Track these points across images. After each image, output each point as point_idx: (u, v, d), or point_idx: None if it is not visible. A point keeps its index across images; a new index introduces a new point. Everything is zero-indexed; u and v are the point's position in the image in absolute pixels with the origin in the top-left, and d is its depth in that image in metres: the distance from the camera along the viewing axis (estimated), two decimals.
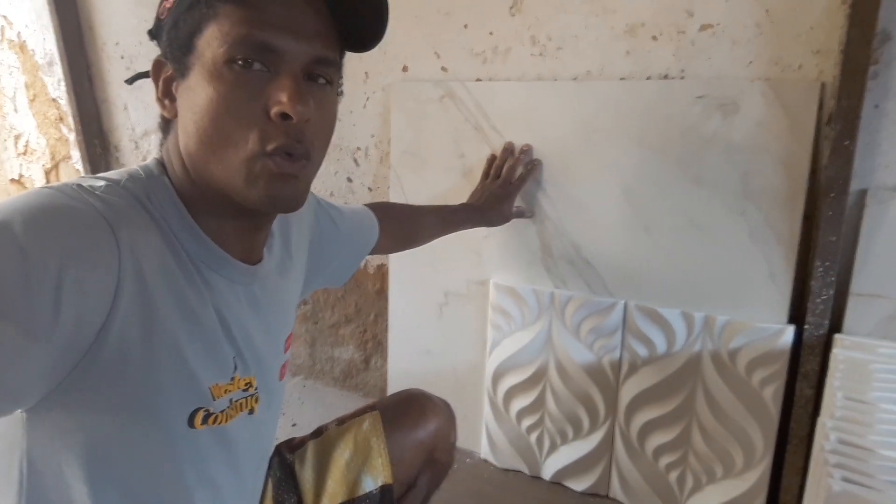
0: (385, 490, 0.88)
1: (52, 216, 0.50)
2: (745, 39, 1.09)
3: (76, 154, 2.11)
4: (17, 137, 2.29)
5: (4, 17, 2.09)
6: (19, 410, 0.55)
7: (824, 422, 0.86)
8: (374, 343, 1.75)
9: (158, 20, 0.62)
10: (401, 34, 1.43)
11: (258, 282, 0.70)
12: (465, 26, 1.36)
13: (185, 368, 0.59)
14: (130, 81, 0.71)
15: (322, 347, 1.86)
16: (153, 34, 0.63)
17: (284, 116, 0.55)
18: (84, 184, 0.56)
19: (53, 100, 2.10)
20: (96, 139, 2.08)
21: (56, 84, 2.06)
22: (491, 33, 1.33)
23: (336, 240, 0.94)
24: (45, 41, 2.02)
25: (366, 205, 1.09)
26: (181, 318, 0.58)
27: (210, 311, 0.62)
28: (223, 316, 0.64)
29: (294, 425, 1.68)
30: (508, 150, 1.30)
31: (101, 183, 0.57)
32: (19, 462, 0.58)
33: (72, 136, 2.10)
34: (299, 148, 0.57)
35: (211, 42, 0.55)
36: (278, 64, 0.56)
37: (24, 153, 2.30)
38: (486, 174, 1.33)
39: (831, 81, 1.03)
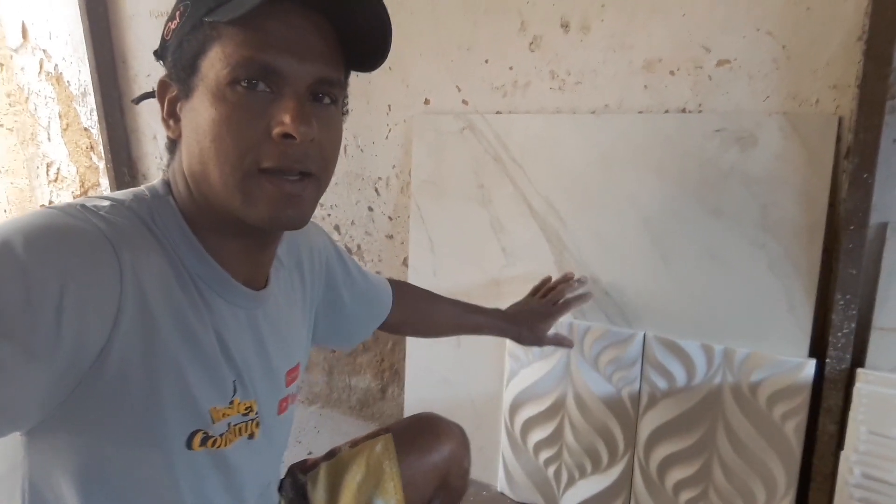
0: None
1: (55, 236, 0.50)
2: (762, 74, 1.11)
3: (105, 182, 2.17)
4: (48, 165, 2.36)
5: (44, 50, 2.18)
6: (19, 433, 0.55)
7: (848, 456, 0.85)
8: (392, 372, 1.75)
9: (163, 41, 0.62)
10: (423, 68, 1.47)
11: (261, 308, 0.69)
12: (486, 61, 1.39)
13: (185, 390, 0.58)
14: (137, 101, 0.72)
15: (339, 376, 1.87)
16: (159, 55, 0.64)
17: (287, 136, 0.55)
18: (88, 204, 0.56)
19: (85, 129, 2.17)
20: (125, 167, 2.14)
21: (88, 114, 2.14)
22: (511, 68, 1.37)
23: (348, 290, 0.93)
24: (80, 73, 2.10)
25: (388, 279, 1.07)
26: (181, 340, 0.58)
27: (210, 333, 0.61)
28: (223, 338, 0.63)
29: (310, 454, 1.67)
30: (567, 277, 1.25)
31: (106, 203, 0.57)
32: (21, 484, 0.58)
33: (101, 165, 2.16)
34: (299, 167, 0.57)
35: (214, 63, 0.55)
36: (282, 85, 0.56)
37: (55, 180, 2.37)
38: (534, 290, 1.25)
39: (848, 115, 1.04)
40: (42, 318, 0.46)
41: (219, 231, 0.62)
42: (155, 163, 2.11)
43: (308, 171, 0.58)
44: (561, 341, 1.19)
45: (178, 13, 0.59)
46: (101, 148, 2.12)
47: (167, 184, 0.64)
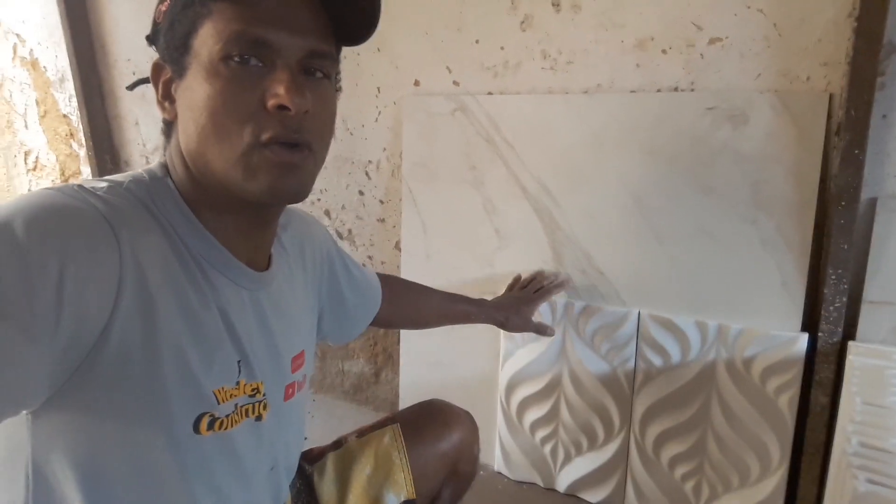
0: None
1: (53, 216, 0.49)
2: (754, 52, 1.12)
3: (86, 170, 2.13)
4: (27, 154, 2.31)
5: (17, 34, 2.12)
6: (23, 412, 0.54)
7: (844, 426, 0.87)
8: (385, 356, 1.75)
9: (155, 24, 0.62)
10: (412, 49, 1.46)
11: (264, 291, 0.69)
12: (477, 41, 1.38)
13: (188, 371, 0.58)
14: (132, 87, 0.72)
15: (332, 361, 1.86)
16: (151, 39, 0.64)
17: (282, 108, 0.55)
18: (86, 185, 0.56)
19: (64, 116, 2.12)
20: (107, 154, 2.10)
21: (67, 100, 2.09)
22: (502, 48, 1.36)
23: (348, 284, 0.93)
24: (57, 58, 2.05)
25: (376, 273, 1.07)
26: (183, 320, 0.58)
27: (214, 312, 0.61)
28: (227, 317, 0.63)
29: (305, 439, 1.67)
30: (538, 273, 1.32)
31: (104, 184, 0.57)
32: (25, 465, 0.58)
33: (82, 152, 2.12)
34: (297, 138, 0.57)
35: (206, 40, 0.55)
36: (274, 58, 0.56)
37: (34, 169, 2.31)
38: (510, 287, 1.33)
39: (839, 92, 1.05)
40: (42, 299, 0.46)
41: (218, 210, 0.62)
42: (138, 149, 2.07)
43: (306, 142, 0.58)
44: (544, 329, 1.22)
45: None
46: (81, 135, 2.07)
47: (164, 166, 0.64)
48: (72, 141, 2.15)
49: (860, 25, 0.98)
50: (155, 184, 0.61)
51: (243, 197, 0.58)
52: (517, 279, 1.34)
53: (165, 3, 0.59)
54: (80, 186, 0.55)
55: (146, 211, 0.58)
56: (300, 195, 0.61)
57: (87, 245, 0.50)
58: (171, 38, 0.58)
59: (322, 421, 1.79)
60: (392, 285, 1.07)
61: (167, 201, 0.60)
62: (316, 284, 0.84)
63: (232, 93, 0.55)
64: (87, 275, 0.49)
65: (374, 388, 1.81)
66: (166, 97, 0.61)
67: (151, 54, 0.65)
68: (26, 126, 2.26)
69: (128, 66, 1.97)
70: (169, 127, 0.64)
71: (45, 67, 2.11)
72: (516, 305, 1.21)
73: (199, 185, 0.61)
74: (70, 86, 2.03)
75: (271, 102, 0.55)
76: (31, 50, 2.11)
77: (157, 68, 0.62)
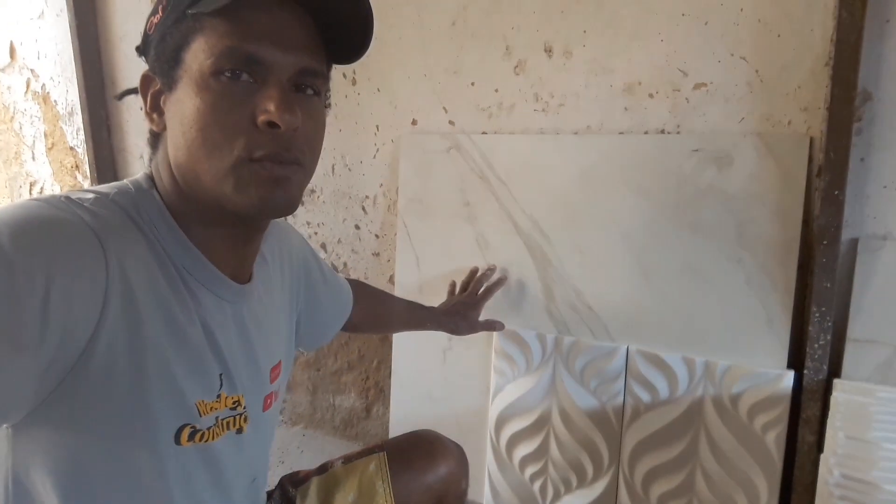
0: None
1: (40, 228, 0.49)
2: (737, 97, 1.16)
3: None
4: (32, 184, 2.35)
5: (31, 70, 2.19)
6: (4, 426, 0.54)
7: (827, 458, 0.87)
8: (377, 390, 1.75)
9: (146, 35, 0.62)
10: (411, 90, 1.51)
11: (246, 303, 0.69)
12: (472, 84, 1.43)
13: (171, 382, 0.58)
14: (120, 97, 0.72)
15: (323, 395, 1.86)
16: (141, 50, 0.64)
17: (272, 125, 0.55)
18: (72, 196, 0.56)
19: (71, 148, 2.17)
20: None
21: (75, 133, 2.14)
22: (496, 90, 1.41)
23: (323, 290, 0.94)
24: (68, 92, 2.11)
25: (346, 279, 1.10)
26: (167, 332, 0.57)
27: (197, 325, 0.61)
28: (210, 331, 0.63)
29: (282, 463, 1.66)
30: (474, 271, 1.38)
31: (90, 195, 0.57)
32: (4, 479, 0.57)
33: (86, 184, 2.16)
34: (287, 156, 0.57)
35: (198, 54, 0.55)
36: (265, 75, 0.56)
37: None
38: (451, 290, 1.38)
39: (819, 136, 1.09)
40: (28, 311, 0.46)
41: (204, 222, 0.62)
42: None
43: (295, 158, 0.59)
44: (492, 325, 1.30)
45: (160, 7, 0.60)
46: (86, 167, 2.11)
47: (150, 178, 0.64)
48: (77, 173, 2.19)
49: (835, 74, 1.02)
50: (140, 195, 0.61)
51: (233, 210, 0.58)
52: (453, 285, 1.38)
53: (157, 16, 0.60)
54: (66, 198, 0.55)
55: (132, 223, 0.58)
56: (289, 208, 0.61)
57: (74, 256, 0.50)
58: (162, 51, 0.58)
59: (312, 456, 1.77)
60: (362, 291, 1.10)
61: (153, 213, 0.60)
62: (294, 291, 0.85)
63: (222, 107, 0.55)
64: (74, 286, 0.49)
65: (366, 424, 1.80)
66: (154, 109, 0.62)
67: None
68: (33, 157, 2.31)
69: (136, 101, 2.02)
70: (155, 138, 0.64)
71: (55, 101, 2.17)
72: (463, 311, 1.27)
73: (187, 197, 0.61)
74: (78, 119, 2.08)
75: (261, 119, 0.55)
76: (44, 84, 2.18)
77: (146, 80, 0.62)
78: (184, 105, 0.57)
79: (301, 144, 0.59)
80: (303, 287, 0.89)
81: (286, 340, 0.83)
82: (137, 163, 2.10)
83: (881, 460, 0.84)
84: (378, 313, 1.17)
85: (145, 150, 0.68)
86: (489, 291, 1.32)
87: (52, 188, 2.28)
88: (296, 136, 0.58)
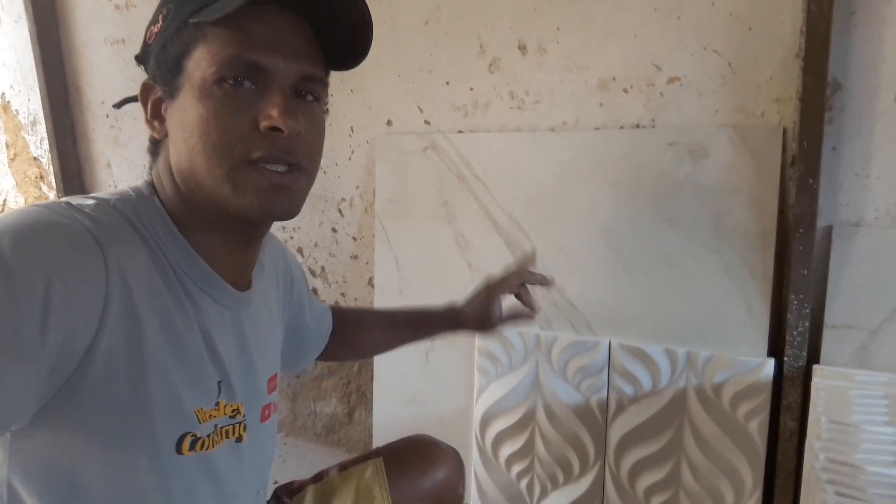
0: None
1: (40, 234, 0.49)
2: (711, 90, 1.18)
3: None
4: None
5: None
6: (1, 435, 0.54)
7: (812, 444, 0.88)
8: (358, 395, 1.73)
9: (146, 44, 0.63)
10: (385, 90, 1.50)
11: (245, 311, 0.69)
12: (447, 83, 1.43)
13: (171, 390, 0.57)
14: (119, 105, 0.72)
15: (304, 402, 1.83)
16: (140, 59, 0.64)
17: (275, 130, 0.56)
18: (73, 202, 0.56)
19: (35, 158, 2.11)
20: None
21: (38, 143, 2.08)
22: (471, 89, 1.40)
23: (310, 309, 0.92)
24: (29, 101, 2.05)
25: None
26: (166, 339, 0.57)
27: (196, 332, 0.61)
28: (210, 337, 0.63)
29: (275, 483, 1.63)
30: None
31: (91, 201, 0.57)
32: (1, 486, 0.56)
33: (52, 195, 2.10)
34: (288, 158, 0.58)
35: (200, 63, 0.56)
36: (267, 82, 0.57)
37: (2, 211, 2.28)
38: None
39: (792, 126, 1.11)
40: (28, 317, 0.46)
41: (205, 228, 0.62)
42: (110, 191, 2.06)
43: (297, 162, 0.59)
44: (519, 313, 1.01)
45: (161, 16, 0.60)
46: (51, 178, 2.06)
47: (151, 185, 0.64)
48: (41, 183, 2.13)
49: (806, 65, 1.04)
50: (142, 202, 0.61)
51: (233, 213, 0.59)
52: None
53: (157, 25, 0.60)
54: (67, 203, 0.55)
55: (132, 229, 0.58)
56: (291, 214, 0.61)
57: (74, 263, 0.50)
58: (164, 59, 0.59)
59: (293, 465, 1.74)
60: (342, 317, 1.01)
61: (154, 219, 0.60)
62: (284, 307, 0.84)
63: (225, 113, 0.56)
64: (74, 293, 0.49)
65: (348, 429, 1.77)
66: (156, 116, 0.62)
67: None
68: None
69: (101, 108, 1.97)
70: (156, 146, 0.64)
71: (16, 111, 2.11)
72: (477, 304, 1.00)
73: (188, 203, 0.61)
74: (42, 128, 2.02)
75: (264, 124, 0.56)
76: (3, 93, 2.12)
77: (146, 88, 0.63)
78: (186, 112, 0.57)
79: (303, 149, 0.60)
80: (290, 305, 0.87)
81: (278, 351, 0.81)
82: (104, 171, 2.04)
83: (863, 443, 0.85)
84: (358, 339, 1.03)
85: (145, 158, 0.67)
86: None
87: (16, 200, 2.22)
88: (297, 141, 0.59)
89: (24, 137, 2.12)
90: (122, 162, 1.99)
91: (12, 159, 2.18)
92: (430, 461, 0.93)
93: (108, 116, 1.96)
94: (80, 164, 2.09)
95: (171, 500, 0.60)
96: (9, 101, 2.11)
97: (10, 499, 0.56)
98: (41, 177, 2.12)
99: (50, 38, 1.95)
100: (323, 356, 1.00)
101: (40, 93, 1.97)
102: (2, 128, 2.17)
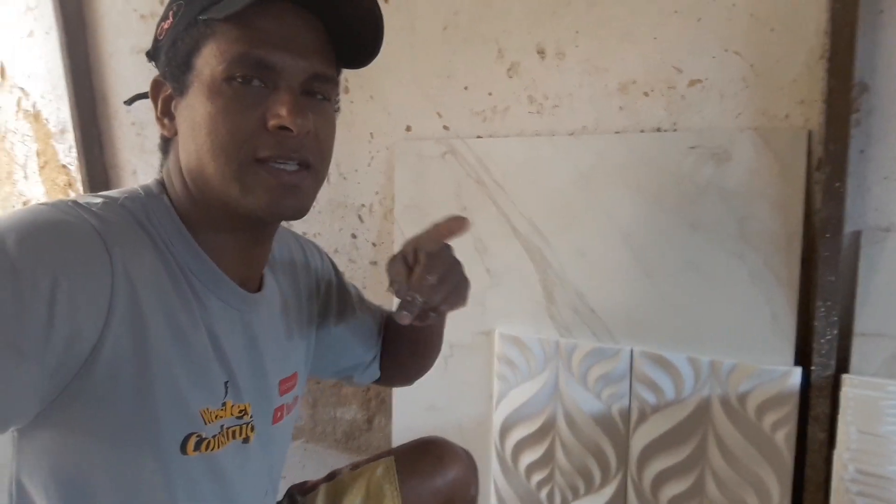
0: None
1: (46, 232, 0.49)
2: (733, 92, 1.15)
3: None
4: (24, 204, 2.33)
5: (21, 88, 2.18)
6: (8, 431, 0.54)
7: (841, 454, 0.86)
8: (378, 401, 1.73)
9: (156, 41, 0.62)
10: (404, 96, 1.50)
11: (255, 312, 0.68)
12: (466, 88, 1.42)
13: (176, 390, 0.57)
14: (129, 102, 0.72)
15: (324, 408, 1.83)
16: (151, 55, 0.64)
17: (283, 129, 0.56)
18: (80, 200, 0.56)
19: (63, 166, 2.16)
20: None
21: (67, 151, 2.12)
22: (490, 94, 1.40)
23: (340, 317, 0.86)
24: (59, 110, 2.10)
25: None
26: (172, 339, 0.57)
27: (202, 331, 0.60)
28: (216, 338, 0.62)
29: (284, 477, 1.63)
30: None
31: (98, 200, 0.57)
32: (9, 483, 0.57)
33: None
34: (296, 157, 0.58)
35: (209, 60, 0.56)
36: (276, 80, 0.57)
37: None
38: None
39: (817, 129, 1.08)
40: (33, 316, 0.46)
41: (215, 227, 0.62)
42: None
43: (306, 161, 0.59)
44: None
45: (171, 13, 0.60)
46: (79, 185, 2.10)
47: (161, 183, 0.64)
48: (70, 190, 2.17)
49: (832, 66, 1.02)
50: (151, 200, 0.61)
51: (241, 212, 0.58)
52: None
53: (168, 21, 0.60)
54: (74, 202, 0.55)
55: (140, 227, 0.58)
56: (300, 213, 0.61)
57: (80, 261, 0.50)
58: (173, 56, 0.59)
59: (313, 471, 1.73)
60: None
61: (162, 218, 0.60)
62: (309, 303, 0.82)
63: (234, 111, 0.56)
64: (80, 291, 0.49)
65: (367, 436, 1.77)
66: (165, 113, 0.62)
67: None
68: (26, 177, 2.30)
69: (127, 116, 2.01)
70: (166, 144, 0.64)
71: (46, 119, 2.16)
72: None
73: (197, 202, 0.61)
74: (70, 137, 2.07)
75: (273, 123, 0.56)
76: (35, 103, 2.17)
77: (156, 85, 0.63)
78: (195, 110, 0.57)
79: (312, 149, 0.59)
80: (319, 297, 0.84)
81: (304, 353, 0.80)
82: (130, 179, 2.08)
83: (894, 454, 0.82)
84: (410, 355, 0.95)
85: (155, 157, 0.67)
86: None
87: None
88: (307, 139, 0.58)
89: (53, 145, 2.17)
90: (147, 169, 2.03)
91: (42, 167, 2.23)
92: (440, 460, 0.92)
93: (133, 124, 2.00)
94: (107, 171, 2.13)
95: (176, 499, 0.60)
96: (39, 111, 2.17)
97: (19, 496, 0.57)
98: (69, 184, 2.17)
99: (78, 49, 2.00)
100: (383, 374, 0.93)
101: (69, 102, 2.02)
102: (33, 136, 2.22)
